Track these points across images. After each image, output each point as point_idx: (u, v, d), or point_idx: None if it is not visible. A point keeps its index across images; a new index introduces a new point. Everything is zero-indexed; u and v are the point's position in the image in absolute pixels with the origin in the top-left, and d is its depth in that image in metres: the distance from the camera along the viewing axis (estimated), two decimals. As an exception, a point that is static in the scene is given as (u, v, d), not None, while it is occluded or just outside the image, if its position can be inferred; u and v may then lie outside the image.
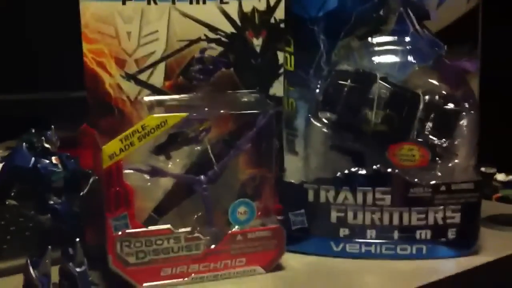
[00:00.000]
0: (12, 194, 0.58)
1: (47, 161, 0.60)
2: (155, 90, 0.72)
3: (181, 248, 0.68)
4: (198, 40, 0.73)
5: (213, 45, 0.74)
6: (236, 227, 0.71)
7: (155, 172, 0.69)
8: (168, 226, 0.68)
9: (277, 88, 0.76)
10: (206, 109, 0.71)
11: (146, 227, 0.67)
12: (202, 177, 0.70)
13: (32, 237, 0.71)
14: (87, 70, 0.70)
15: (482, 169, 0.99)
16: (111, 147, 0.65)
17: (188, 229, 0.68)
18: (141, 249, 0.67)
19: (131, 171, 0.67)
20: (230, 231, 0.70)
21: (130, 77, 0.71)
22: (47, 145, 0.60)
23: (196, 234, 0.68)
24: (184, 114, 0.68)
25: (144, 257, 0.67)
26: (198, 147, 0.71)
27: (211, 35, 0.73)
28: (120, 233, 0.65)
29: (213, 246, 0.69)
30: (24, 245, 0.69)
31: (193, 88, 0.73)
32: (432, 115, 0.76)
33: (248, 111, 0.71)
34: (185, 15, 0.72)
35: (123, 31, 0.71)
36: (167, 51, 0.72)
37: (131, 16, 0.71)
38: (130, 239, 0.66)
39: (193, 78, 0.73)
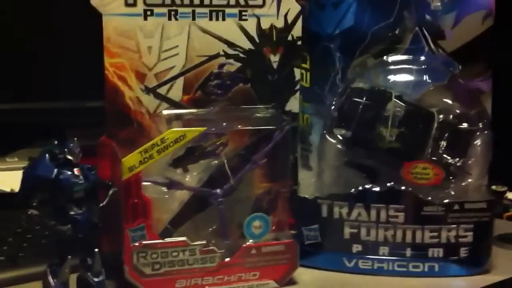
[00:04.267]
0: (34, 204, 0.59)
1: (69, 173, 0.61)
2: (173, 104, 0.73)
3: (196, 261, 0.69)
4: (217, 55, 0.74)
5: (231, 60, 0.74)
6: (251, 240, 0.71)
7: (172, 185, 0.70)
8: (184, 238, 0.68)
9: (293, 104, 0.76)
10: (223, 123, 0.72)
11: (162, 238, 0.68)
12: (218, 190, 0.71)
13: (48, 245, 0.72)
14: (108, 83, 0.70)
15: (493, 187, 0.99)
16: (131, 159, 0.66)
17: (203, 241, 0.69)
18: (157, 260, 0.67)
19: (149, 183, 0.68)
20: (244, 245, 0.71)
21: (149, 90, 0.72)
22: (69, 157, 0.61)
23: (211, 247, 0.69)
24: (202, 129, 0.69)
25: (159, 269, 0.67)
26: (215, 161, 0.72)
27: (230, 51, 0.74)
28: (137, 244, 0.66)
29: (227, 259, 0.70)
30: (40, 253, 0.71)
31: (211, 102, 0.74)
32: (446, 134, 0.76)
33: (265, 127, 0.72)
34: (205, 31, 0.73)
35: (144, 45, 0.71)
36: (186, 66, 0.73)
37: (152, 31, 0.72)
38: (147, 250, 0.67)
39: (211, 92, 0.74)
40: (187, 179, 0.71)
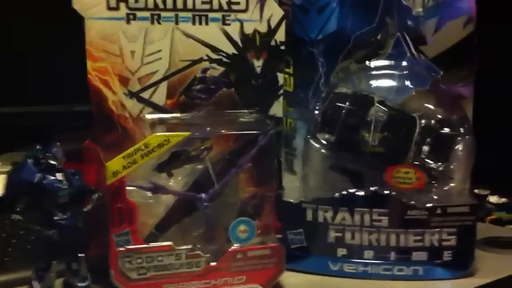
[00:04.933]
0: (18, 209, 0.58)
1: (53, 177, 0.60)
2: (157, 108, 0.72)
3: (182, 265, 0.68)
4: (200, 60, 0.73)
5: (214, 65, 0.74)
6: (236, 245, 0.71)
7: (157, 189, 0.69)
8: (170, 243, 0.68)
9: (277, 109, 0.76)
10: (207, 128, 0.71)
11: (148, 243, 0.67)
12: (203, 195, 0.71)
13: (34, 250, 0.71)
14: (91, 87, 0.70)
15: (476, 191, 1.00)
16: (114, 164, 0.65)
17: (189, 246, 0.69)
18: (142, 265, 0.67)
19: (134, 188, 0.67)
20: (230, 249, 0.70)
21: (133, 94, 0.71)
22: (52, 162, 0.60)
23: (197, 251, 0.69)
24: (186, 133, 0.68)
25: (145, 273, 0.67)
26: (200, 166, 0.71)
27: (213, 55, 0.74)
28: (122, 248, 0.66)
29: (213, 263, 0.70)
30: (26, 258, 0.69)
31: (195, 106, 0.73)
32: (428, 139, 0.77)
33: (250, 131, 0.72)
34: (188, 35, 0.73)
35: (127, 50, 0.71)
36: (169, 70, 0.73)
37: (135, 35, 0.71)
38: (132, 255, 0.66)
39: (195, 97, 0.73)
40: (171, 183, 0.71)
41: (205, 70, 0.73)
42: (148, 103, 0.72)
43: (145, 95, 0.72)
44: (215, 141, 0.72)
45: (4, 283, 0.67)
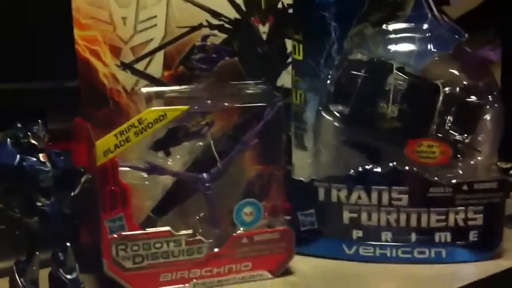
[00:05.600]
0: (-4, 195, 0.53)
1: (34, 159, 0.55)
2: (153, 81, 0.68)
3: (182, 252, 0.64)
4: (200, 26, 0.69)
5: (215, 31, 0.70)
6: (242, 229, 0.67)
7: (154, 170, 0.65)
8: (168, 228, 0.64)
9: (285, 79, 0.71)
10: (208, 101, 0.67)
11: (144, 228, 0.63)
12: (204, 175, 0.66)
13: (21, 238, 0.66)
14: (80, 59, 0.65)
15: (497, 164, 0.95)
16: (105, 142, 0.60)
17: (190, 231, 0.65)
18: (139, 253, 0.63)
19: (127, 168, 0.63)
20: (234, 233, 0.67)
21: (126, 66, 0.67)
22: (33, 141, 0.55)
23: (198, 237, 0.65)
24: (185, 107, 0.63)
25: (141, 262, 0.63)
26: (200, 143, 0.67)
27: (214, 21, 0.70)
28: (115, 235, 0.61)
29: (216, 250, 0.66)
30: (15, 246, 0.65)
31: (195, 78, 0.69)
32: (453, 108, 0.73)
33: (255, 104, 0.67)
34: (186, -1, 0.68)
35: (118, 16, 0.67)
36: (166, 38, 0.69)
37: (126, -1, 0.66)
38: (127, 242, 0.62)
39: (195, 67, 0.69)
40: (169, 163, 0.67)
41: (205, 38, 0.69)
42: (143, 75, 0.68)
43: (140, 66, 0.69)
44: (217, 116, 0.68)
45: None
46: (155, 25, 0.68)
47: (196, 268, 0.65)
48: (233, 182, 0.68)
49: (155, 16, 0.68)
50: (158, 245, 0.63)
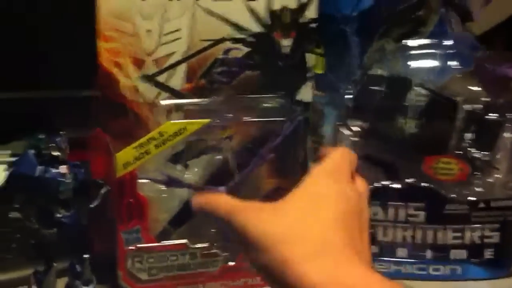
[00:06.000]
0: (16, 206, 0.54)
1: (55, 170, 0.56)
2: (174, 93, 0.68)
3: (197, 265, 0.64)
4: (222, 40, 0.68)
5: (238, 45, 0.69)
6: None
7: (171, 182, 0.65)
8: (184, 241, 0.64)
9: (305, 93, 0.71)
10: (228, 115, 0.66)
11: (160, 240, 0.63)
12: (221, 187, 0.66)
13: (37, 247, 0.67)
14: (102, 70, 0.65)
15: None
16: (125, 155, 0.61)
17: (205, 244, 0.65)
18: (154, 265, 0.63)
19: (146, 180, 0.63)
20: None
21: (148, 78, 0.67)
22: (56, 153, 0.56)
23: (214, 250, 0.65)
24: (205, 121, 0.63)
25: (156, 274, 0.63)
26: (218, 156, 0.67)
27: (237, 34, 0.68)
28: (131, 247, 0.61)
29: (231, 263, 0.66)
30: (30, 255, 0.66)
31: (215, 91, 0.68)
32: (472, 125, 0.72)
33: (274, 118, 0.67)
34: (209, 12, 0.67)
35: (142, 29, 0.66)
36: (189, 51, 0.68)
37: (151, 13, 0.66)
38: (142, 254, 0.63)
39: (215, 80, 0.68)
40: (187, 175, 0.66)
41: (227, 51, 0.68)
42: (164, 87, 0.67)
43: (161, 78, 0.67)
44: (236, 129, 0.67)
45: (3, 283, 0.64)
46: (179, 38, 0.67)
47: (211, 281, 0.65)
48: (250, 196, 0.67)
49: (179, 29, 0.67)
50: (173, 258, 0.63)
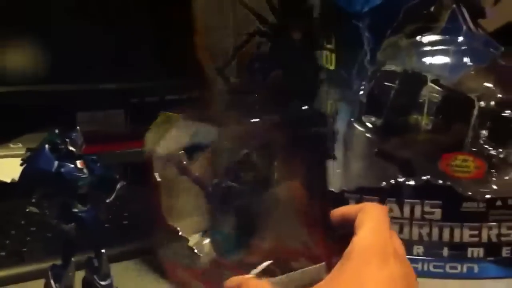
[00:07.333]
0: (33, 200, 0.53)
1: (72, 165, 0.54)
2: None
3: None
4: (254, 33, 0.67)
5: (263, 39, 0.68)
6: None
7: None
8: None
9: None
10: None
11: None
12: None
13: (54, 240, 0.66)
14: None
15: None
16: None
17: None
18: None
19: None
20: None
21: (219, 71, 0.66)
22: (71, 148, 0.54)
23: None
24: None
25: None
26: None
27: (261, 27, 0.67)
28: None
29: None
30: (46, 248, 0.65)
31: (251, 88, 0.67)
32: (488, 123, 0.71)
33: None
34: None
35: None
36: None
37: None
38: None
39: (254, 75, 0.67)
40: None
41: (259, 46, 0.67)
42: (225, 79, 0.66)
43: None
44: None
45: (21, 275, 0.63)
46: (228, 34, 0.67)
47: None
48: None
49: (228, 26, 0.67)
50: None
